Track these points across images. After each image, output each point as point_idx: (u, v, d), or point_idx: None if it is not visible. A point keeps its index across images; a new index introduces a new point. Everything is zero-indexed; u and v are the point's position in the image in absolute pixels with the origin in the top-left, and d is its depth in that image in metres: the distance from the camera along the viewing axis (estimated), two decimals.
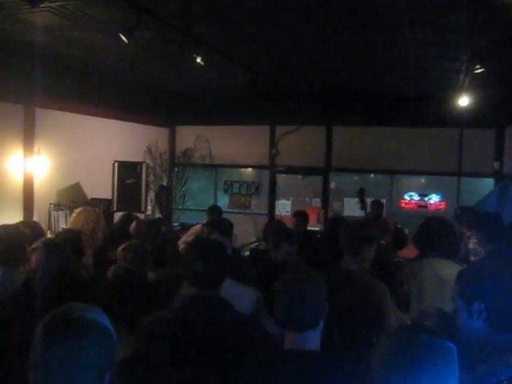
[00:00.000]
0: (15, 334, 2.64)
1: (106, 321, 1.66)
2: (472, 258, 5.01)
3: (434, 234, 4.27)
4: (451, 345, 1.70)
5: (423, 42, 6.24)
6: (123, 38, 5.40)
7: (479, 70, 6.54)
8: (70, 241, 4.43)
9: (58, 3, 5.19)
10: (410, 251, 6.71)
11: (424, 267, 4.15)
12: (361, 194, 7.45)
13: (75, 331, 1.56)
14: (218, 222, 5.82)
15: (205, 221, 8.34)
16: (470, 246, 5.03)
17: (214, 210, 7.88)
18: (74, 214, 5.61)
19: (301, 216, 7.25)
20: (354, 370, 2.25)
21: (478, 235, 4.66)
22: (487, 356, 2.12)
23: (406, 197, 10.68)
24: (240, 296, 3.26)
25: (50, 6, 5.23)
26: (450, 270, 4.04)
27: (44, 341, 1.56)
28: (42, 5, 4.79)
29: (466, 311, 2.22)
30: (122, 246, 4.31)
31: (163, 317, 2.75)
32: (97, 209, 8.22)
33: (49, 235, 7.88)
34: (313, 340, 2.30)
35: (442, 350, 1.68)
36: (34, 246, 3.67)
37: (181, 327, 2.61)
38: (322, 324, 2.34)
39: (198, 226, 8.12)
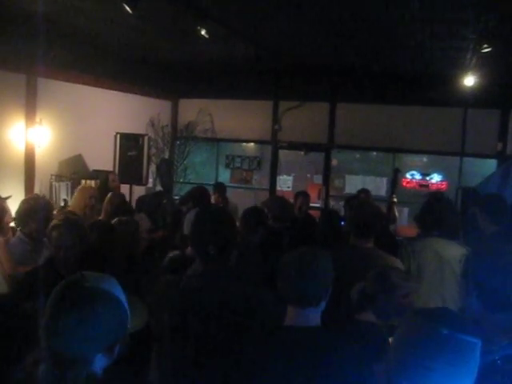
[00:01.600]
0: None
1: (119, 292, 1.65)
2: None
3: (436, 214, 4.28)
4: (475, 340, 1.60)
5: (430, 20, 6.16)
6: (127, 8, 5.33)
7: (486, 50, 6.46)
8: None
9: None
10: (409, 229, 6.73)
11: (425, 246, 4.17)
12: (395, 175, 7.22)
13: (87, 300, 1.56)
14: None
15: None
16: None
17: (223, 188, 8.24)
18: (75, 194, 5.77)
19: (303, 196, 7.25)
20: (354, 347, 2.27)
21: (480, 216, 4.66)
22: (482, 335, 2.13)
23: (408, 176, 10.64)
24: None
25: None
26: (450, 250, 4.07)
27: (56, 307, 1.57)
28: None
29: (465, 289, 2.24)
30: None
31: (174, 285, 2.78)
32: (93, 184, 8.29)
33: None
34: (313, 318, 2.31)
35: (463, 346, 1.58)
36: (52, 223, 3.67)
37: (191, 296, 2.65)
38: (323, 304, 2.34)
39: None
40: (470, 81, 8.34)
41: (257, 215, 4.75)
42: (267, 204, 5.90)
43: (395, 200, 6.83)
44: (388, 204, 6.70)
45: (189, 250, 3.51)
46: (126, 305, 1.65)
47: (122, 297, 1.65)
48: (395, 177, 6.98)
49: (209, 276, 2.75)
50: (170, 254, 3.92)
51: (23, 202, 4.62)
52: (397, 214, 7.24)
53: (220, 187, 8.41)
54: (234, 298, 2.63)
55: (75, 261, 3.51)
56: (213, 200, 8.16)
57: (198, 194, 6.05)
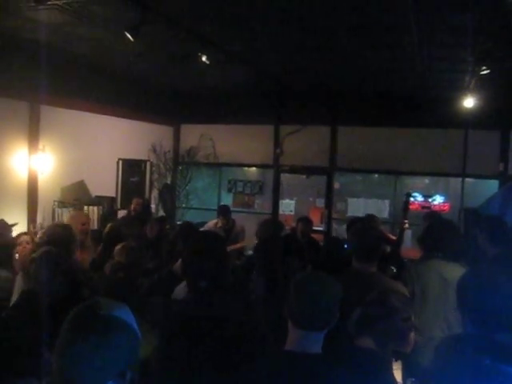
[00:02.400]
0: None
1: (132, 319, 1.66)
2: None
3: (439, 235, 4.27)
4: None
5: (429, 43, 6.22)
6: (129, 35, 5.39)
7: (485, 72, 6.51)
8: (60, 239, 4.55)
9: (64, 1, 5.19)
10: (412, 251, 6.70)
11: (429, 268, 4.16)
12: (407, 199, 6.95)
13: (101, 328, 1.57)
14: None
15: (214, 220, 8.57)
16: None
17: (226, 210, 8.39)
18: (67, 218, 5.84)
19: (303, 222, 7.30)
20: (353, 377, 2.25)
21: (481, 238, 4.66)
22: None
23: (406, 196, 10.62)
24: None
25: (55, 4, 5.24)
26: (454, 271, 4.04)
27: (70, 335, 1.58)
28: (48, 2, 4.79)
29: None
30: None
31: (177, 312, 2.77)
32: (95, 210, 8.36)
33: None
34: (315, 343, 2.31)
35: (505, 377, 1.54)
36: (32, 256, 3.72)
37: (186, 322, 2.62)
38: (327, 329, 2.34)
39: (212, 223, 8.39)
40: (469, 102, 8.39)
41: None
42: (259, 229, 5.92)
43: (407, 226, 6.73)
44: (400, 229, 6.62)
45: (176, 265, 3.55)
46: (138, 333, 1.67)
47: (135, 324, 1.67)
48: (407, 201, 6.82)
49: (200, 302, 2.73)
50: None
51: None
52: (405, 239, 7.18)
53: (223, 210, 8.55)
54: (226, 323, 2.61)
55: (57, 294, 3.51)
56: (218, 223, 8.25)
57: (185, 233, 5.98)
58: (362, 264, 3.76)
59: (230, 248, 6.75)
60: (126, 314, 1.66)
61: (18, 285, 4.28)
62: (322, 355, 2.30)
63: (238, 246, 8.05)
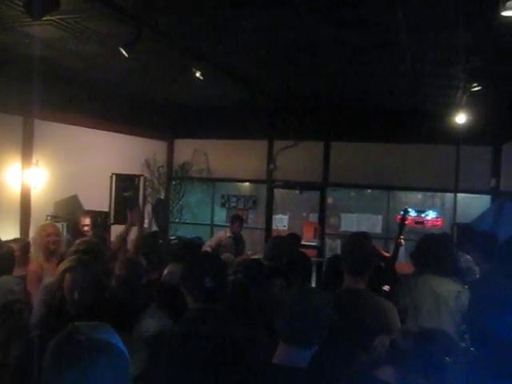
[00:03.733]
0: None
1: (116, 339, 1.60)
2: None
3: (431, 251, 4.29)
4: None
5: (421, 60, 6.29)
6: (123, 51, 5.42)
7: (476, 88, 6.58)
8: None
9: (59, 16, 5.21)
10: (406, 267, 6.71)
11: (421, 284, 4.17)
12: (404, 215, 6.77)
13: (85, 355, 1.50)
14: None
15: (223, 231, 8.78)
16: (463, 265, 5.03)
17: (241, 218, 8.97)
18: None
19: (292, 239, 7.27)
20: None
21: (473, 255, 4.69)
22: None
23: (402, 213, 10.67)
24: None
25: (50, 19, 5.26)
26: (446, 286, 4.06)
27: (54, 368, 1.52)
28: (43, 18, 4.81)
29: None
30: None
31: (170, 331, 2.75)
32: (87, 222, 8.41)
33: None
34: (302, 358, 2.30)
35: None
36: (65, 265, 3.62)
37: (187, 341, 2.61)
38: (316, 347, 2.34)
39: (222, 233, 8.56)
40: (461, 118, 8.45)
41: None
42: (266, 245, 5.99)
43: (403, 242, 6.72)
44: (395, 245, 6.61)
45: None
46: (124, 350, 1.60)
47: (120, 343, 1.60)
48: (404, 217, 6.78)
49: (201, 319, 2.72)
50: None
51: None
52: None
53: (239, 217, 9.07)
54: (229, 343, 2.61)
55: (88, 303, 3.49)
56: (232, 230, 8.42)
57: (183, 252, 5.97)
58: (352, 278, 3.76)
59: (239, 259, 6.82)
60: (108, 335, 1.59)
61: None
62: (307, 369, 2.29)
63: (244, 257, 8.11)
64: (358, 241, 4.12)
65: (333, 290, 4.09)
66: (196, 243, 6.77)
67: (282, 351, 2.31)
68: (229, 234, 8.55)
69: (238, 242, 8.38)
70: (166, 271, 4.61)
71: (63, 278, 3.55)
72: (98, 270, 3.84)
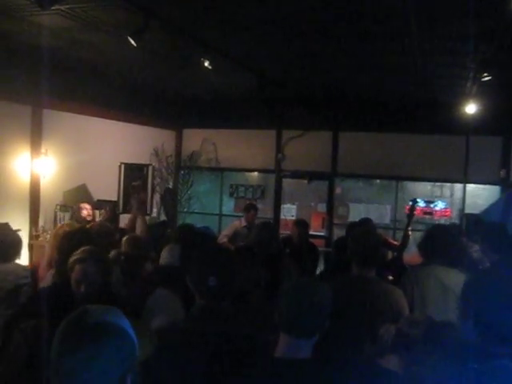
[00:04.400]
0: None
1: (124, 323, 1.62)
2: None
3: (438, 242, 4.29)
4: (506, 362, 1.68)
5: (431, 50, 6.24)
6: (132, 41, 5.42)
7: (486, 78, 6.52)
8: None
9: (68, 6, 5.22)
10: (414, 258, 6.70)
11: (428, 274, 4.17)
12: (413, 206, 6.69)
13: (93, 338, 1.53)
14: None
15: (238, 220, 8.77)
16: (475, 255, 5.02)
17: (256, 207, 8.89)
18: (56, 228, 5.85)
19: (297, 225, 7.21)
20: (344, 380, 2.25)
21: (482, 246, 4.67)
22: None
23: (411, 203, 10.64)
24: None
25: (59, 9, 5.27)
26: (453, 277, 4.06)
27: (61, 348, 1.54)
28: (51, 7, 4.82)
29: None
30: None
31: (174, 327, 2.75)
32: (97, 214, 8.45)
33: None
34: (304, 349, 2.29)
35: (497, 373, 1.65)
36: (76, 256, 3.61)
37: (190, 338, 2.58)
38: (317, 336, 2.33)
39: (237, 222, 8.53)
40: (471, 108, 8.40)
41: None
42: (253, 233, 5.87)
43: (410, 233, 6.70)
44: (404, 235, 6.59)
45: None
46: (132, 334, 1.62)
47: (128, 326, 1.62)
48: (412, 208, 6.75)
49: (205, 317, 2.69)
50: None
51: None
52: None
53: (255, 206, 8.98)
54: (236, 342, 2.58)
55: (93, 298, 3.48)
56: (246, 219, 8.50)
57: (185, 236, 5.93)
58: (360, 269, 3.78)
59: None
60: (117, 318, 1.61)
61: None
62: (311, 360, 2.29)
63: None
64: (366, 233, 4.12)
65: (341, 273, 4.11)
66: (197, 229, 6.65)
67: (283, 343, 2.30)
68: (244, 224, 8.48)
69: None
70: (164, 254, 4.52)
71: (73, 267, 3.55)
72: (109, 263, 3.83)
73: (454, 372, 2.05)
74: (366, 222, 7.09)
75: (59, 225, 5.93)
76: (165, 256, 4.37)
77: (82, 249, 3.70)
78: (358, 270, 3.81)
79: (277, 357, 2.30)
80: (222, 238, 7.99)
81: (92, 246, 3.78)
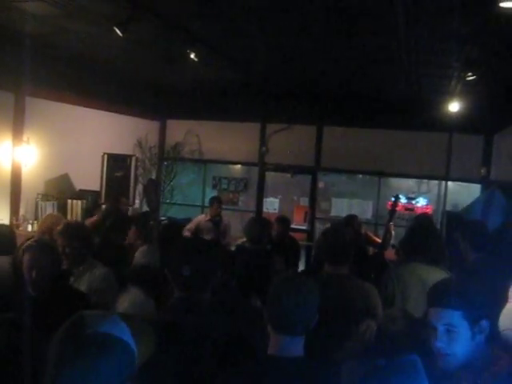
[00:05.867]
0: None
1: (121, 331, 1.58)
2: None
3: (419, 239, 4.32)
4: (414, 357, 1.73)
5: (416, 48, 6.27)
6: (117, 31, 5.38)
7: (471, 78, 6.58)
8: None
9: None
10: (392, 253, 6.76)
11: (409, 272, 4.20)
12: (395, 202, 6.75)
13: (91, 350, 1.49)
14: None
15: (203, 214, 8.75)
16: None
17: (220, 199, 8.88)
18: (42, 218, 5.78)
19: (283, 222, 7.21)
20: (337, 377, 2.27)
21: (462, 243, 4.72)
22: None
23: (393, 199, 10.72)
24: None
25: None
26: (434, 275, 4.09)
27: (58, 360, 1.51)
28: None
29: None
30: None
31: (152, 320, 2.73)
32: (79, 204, 8.40)
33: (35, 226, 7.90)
34: (298, 346, 2.30)
35: (404, 369, 1.69)
36: (25, 244, 3.69)
37: (168, 330, 2.57)
38: (305, 333, 2.34)
39: (202, 216, 8.51)
40: (454, 107, 8.45)
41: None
42: (245, 228, 5.86)
43: (392, 228, 6.74)
44: (385, 231, 6.64)
45: None
46: (130, 342, 1.59)
47: (126, 334, 1.59)
48: (394, 204, 6.79)
49: (183, 309, 2.67)
50: None
51: None
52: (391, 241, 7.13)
53: (219, 199, 8.94)
54: (214, 332, 2.58)
55: (45, 282, 3.52)
56: (210, 213, 8.35)
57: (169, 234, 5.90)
58: (332, 267, 3.81)
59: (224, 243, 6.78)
60: (114, 327, 1.57)
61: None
62: (304, 357, 2.30)
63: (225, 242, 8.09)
64: (335, 231, 4.15)
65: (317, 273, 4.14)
66: (179, 224, 6.65)
67: (275, 341, 2.30)
68: (208, 217, 8.46)
69: (217, 225, 8.25)
70: (139, 253, 4.47)
71: (22, 256, 3.62)
72: (58, 252, 3.85)
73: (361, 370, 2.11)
74: (351, 219, 7.13)
75: (46, 216, 5.86)
76: (141, 256, 4.32)
77: (32, 239, 3.79)
78: (329, 267, 3.83)
79: (270, 354, 2.30)
80: (185, 232, 7.96)
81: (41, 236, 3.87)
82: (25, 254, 3.60)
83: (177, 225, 6.06)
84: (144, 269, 4.09)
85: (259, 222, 5.80)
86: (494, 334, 2.24)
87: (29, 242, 3.76)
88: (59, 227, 4.47)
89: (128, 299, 3.65)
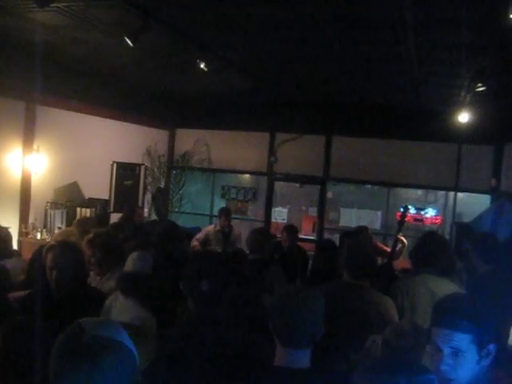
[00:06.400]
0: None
1: (120, 335, 1.57)
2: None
3: (429, 250, 4.29)
4: (432, 377, 1.68)
5: (426, 59, 6.27)
6: (128, 41, 5.40)
7: (481, 88, 6.56)
8: None
9: (65, 3, 5.21)
10: (403, 263, 6.72)
11: (418, 283, 4.17)
12: (404, 213, 6.57)
13: (90, 356, 1.47)
14: None
15: (213, 224, 8.65)
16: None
17: (228, 211, 8.57)
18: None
19: (291, 230, 7.22)
20: None
21: (473, 254, 4.69)
22: None
23: (402, 210, 10.67)
24: None
25: (56, 6, 5.23)
26: (444, 287, 4.07)
27: (58, 368, 1.49)
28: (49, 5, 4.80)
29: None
30: None
31: (171, 334, 2.73)
32: (88, 212, 8.43)
33: (44, 234, 7.94)
34: (304, 358, 2.28)
35: None
36: (48, 245, 3.71)
37: (187, 344, 2.56)
38: (312, 345, 2.31)
39: (211, 226, 8.44)
40: (464, 117, 8.42)
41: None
42: (247, 238, 5.83)
43: (404, 239, 6.70)
44: (394, 242, 6.59)
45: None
46: (131, 346, 1.57)
47: (126, 338, 1.57)
48: (404, 215, 6.70)
49: (200, 323, 2.67)
50: None
51: None
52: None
53: (225, 211, 8.62)
54: (231, 345, 2.56)
55: (67, 284, 3.54)
56: (220, 224, 8.26)
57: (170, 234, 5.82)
58: (354, 280, 3.80)
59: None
60: (114, 332, 1.56)
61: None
62: (310, 369, 2.27)
63: None
64: (359, 244, 4.14)
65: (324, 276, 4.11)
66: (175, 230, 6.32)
67: (280, 354, 2.28)
68: (218, 228, 8.43)
69: (227, 235, 8.18)
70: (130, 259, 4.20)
71: (45, 256, 3.63)
72: (81, 254, 3.85)
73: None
74: (362, 231, 7.09)
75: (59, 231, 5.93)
76: (133, 263, 4.00)
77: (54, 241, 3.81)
78: (351, 280, 3.82)
79: (276, 366, 2.28)
80: (193, 242, 7.93)
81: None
82: (47, 254, 3.62)
83: (176, 229, 5.92)
84: (138, 277, 3.76)
85: (260, 232, 5.80)
86: (498, 356, 2.15)
87: (52, 242, 3.79)
88: (88, 236, 4.53)
89: (125, 314, 3.45)
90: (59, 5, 5.19)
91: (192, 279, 2.75)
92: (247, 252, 5.49)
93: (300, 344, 2.27)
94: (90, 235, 4.61)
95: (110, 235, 4.98)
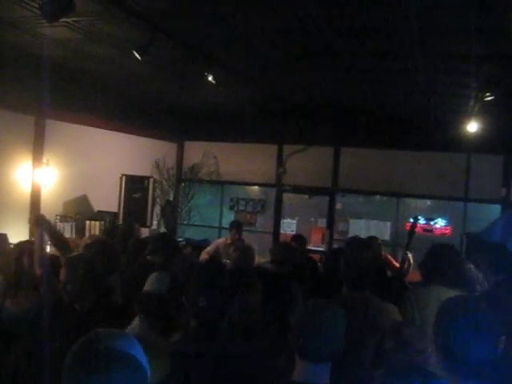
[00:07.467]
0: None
1: (135, 349, 1.58)
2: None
3: (440, 262, 4.27)
4: (444, 381, 1.65)
5: (434, 68, 6.27)
6: (136, 55, 5.44)
7: (489, 98, 6.54)
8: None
9: (74, 18, 5.24)
10: (413, 275, 6.66)
11: (428, 295, 4.13)
12: (414, 223, 6.42)
13: (103, 365, 1.49)
14: None
15: (224, 237, 8.60)
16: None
17: (239, 224, 8.49)
18: None
19: (298, 240, 7.18)
20: None
21: (482, 266, 4.65)
22: None
23: (412, 220, 10.61)
24: None
25: (65, 21, 5.28)
26: None
27: (72, 375, 1.51)
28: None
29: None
30: None
31: (174, 349, 2.71)
32: (97, 225, 8.43)
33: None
34: (323, 373, 2.27)
35: None
36: (85, 243, 3.72)
37: (188, 359, 2.54)
38: (332, 360, 2.30)
39: (222, 239, 8.39)
40: (473, 127, 8.39)
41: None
42: (273, 248, 5.90)
43: (410, 256, 6.63)
44: (402, 259, 6.51)
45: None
46: (144, 362, 1.58)
47: (139, 353, 1.58)
48: (414, 225, 6.40)
49: (200, 338, 2.65)
50: None
51: None
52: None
53: (237, 224, 8.56)
54: (231, 361, 2.55)
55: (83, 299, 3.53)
56: (231, 237, 8.22)
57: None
58: (350, 292, 3.79)
59: None
60: (128, 346, 1.57)
61: None
62: None
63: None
64: (354, 256, 4.12)
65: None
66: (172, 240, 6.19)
67: (300, 368, 2.27)
68: (229, 241, 8.38)
69: None
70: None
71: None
72: (99, 267, 3.83)
73: None
74: (372, 242, 7.04)
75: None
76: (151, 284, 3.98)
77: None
78: (348, 291, 3.82)
79: (293, 380, 2.27)
80: (203, 255, 7.88)
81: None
82: (62, 269, 3.62)
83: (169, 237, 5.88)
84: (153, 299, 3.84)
85: (289, 246, 5.85)
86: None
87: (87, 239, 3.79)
88: (86, 242, 4.53)
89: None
90: (68, 20, 5.23)
91: (191, 295, 2.74)
92: (263, 260, 5.49)
93: (318, 358, 2.26)
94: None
95: (107, 242, 5.01)
